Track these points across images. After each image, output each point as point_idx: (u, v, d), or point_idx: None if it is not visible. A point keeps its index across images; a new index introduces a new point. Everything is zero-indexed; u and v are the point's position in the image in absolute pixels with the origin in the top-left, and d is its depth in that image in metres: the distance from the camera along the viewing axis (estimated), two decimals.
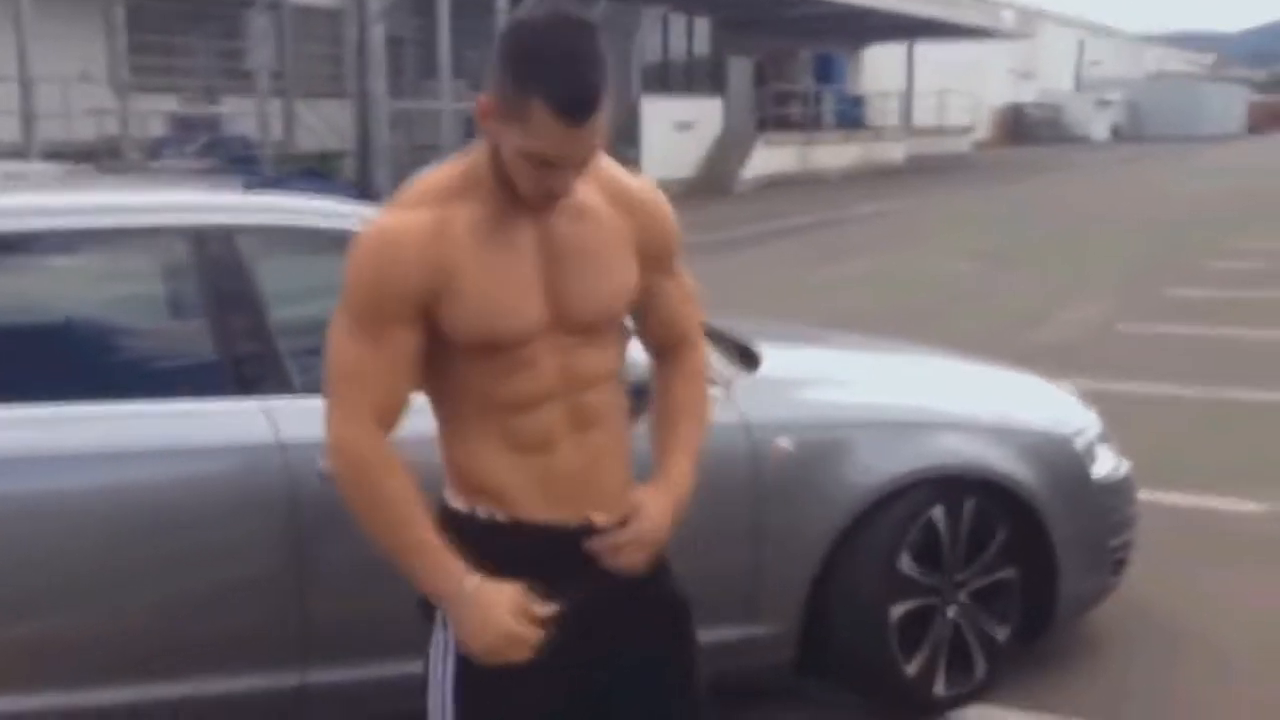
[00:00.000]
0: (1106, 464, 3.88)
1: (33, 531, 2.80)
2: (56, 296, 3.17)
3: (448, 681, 2.06)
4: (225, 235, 3.03)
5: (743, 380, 3.43)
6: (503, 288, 1.96)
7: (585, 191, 2.03)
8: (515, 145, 1.87)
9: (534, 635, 1.97)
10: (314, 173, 4.28)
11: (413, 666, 2.15)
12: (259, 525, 2.92)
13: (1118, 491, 3.91)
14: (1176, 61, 71.34)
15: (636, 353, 3.06)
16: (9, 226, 3.02)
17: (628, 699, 2.16)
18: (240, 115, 18.41)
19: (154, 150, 16.73)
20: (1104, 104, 56.26)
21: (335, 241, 2.93)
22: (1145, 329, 9.94)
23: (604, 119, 1.88)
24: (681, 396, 2.21)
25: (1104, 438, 3.95)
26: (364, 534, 1.99)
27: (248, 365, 2.98)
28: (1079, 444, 3.81)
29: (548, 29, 1.86)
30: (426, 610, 2.07)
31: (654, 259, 2.11)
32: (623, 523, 2.06)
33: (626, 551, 2.07)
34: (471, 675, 2.03)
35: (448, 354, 1.99)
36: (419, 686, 2.12)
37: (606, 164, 2.07)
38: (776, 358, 3.71)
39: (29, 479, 2.81)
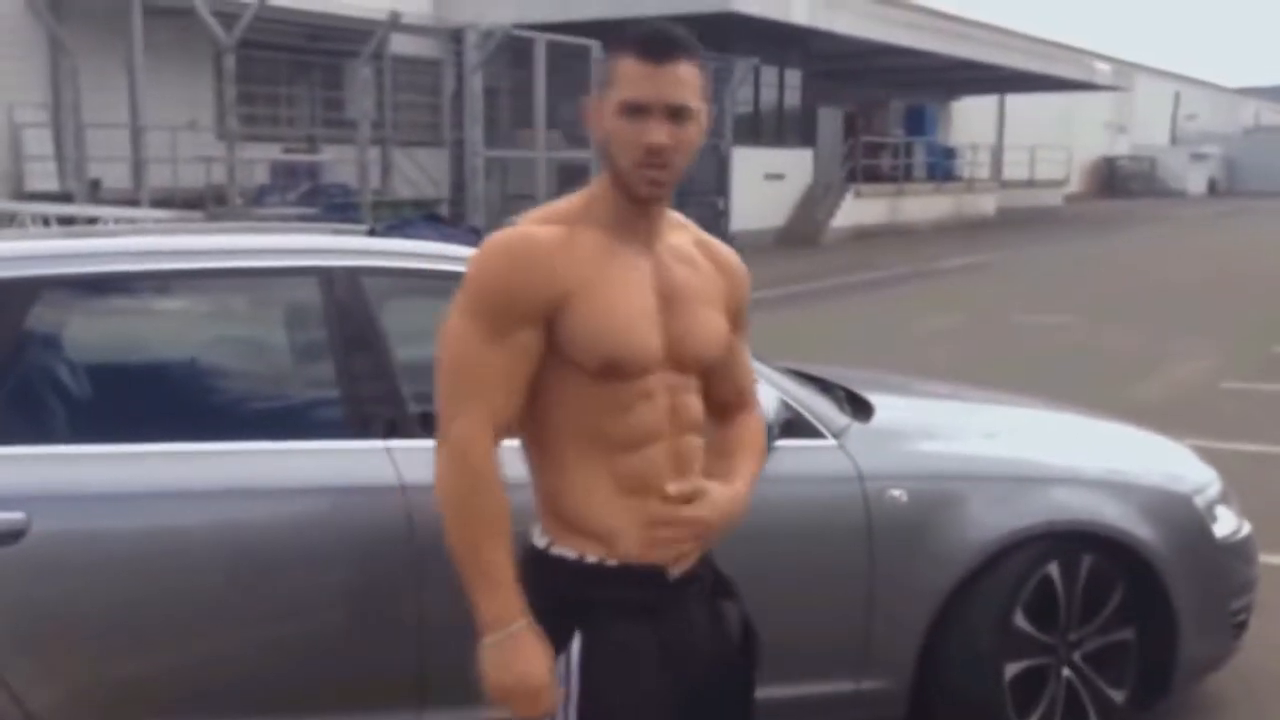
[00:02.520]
0: (1228, 524, 3.78)
1: (157, 566, 2.85)
2: (186, 336, 3.27)
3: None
4: (351, 277, 3.09)
5: (856, 430, 3.41)
6: (627, 312, 2.03)
7: (686, 242, 2.15)
8: (611, 104, 1.99)
9: (551, 700, 1.98)
10: (435, 217, 4.35)
11: None
12: (379, 565, 2.95)
13: (1239, 552, 3.81)
14: (1275, 114, 69.95)
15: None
16: (142, 267, 3.11)
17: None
18: (340, 163, 18.81)
19: (257, 197, 17.13)
20: (1200, 157, 55.27)
21: (458, 284, 3.00)
22: (1251, 387, 9.70)
23: (692, 77, 1.99)
24: (744, 437, 2.26)
25: (1225, 497, 3.86)
26: (447, 538, 1.99)
27: (371, 406, 3.03)
28: (1199, 502, 3.72)
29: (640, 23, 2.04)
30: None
31: (735, 319, 2.22)
32: (688, 500, 2.07)
33: (687, 529, 2.07)
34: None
35: (564, 386, 2.02)
36: None
37: (695, 228, 2.21)
38: (888, 407, 3.68)
39: (155, 515, 2.88)
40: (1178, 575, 3.55)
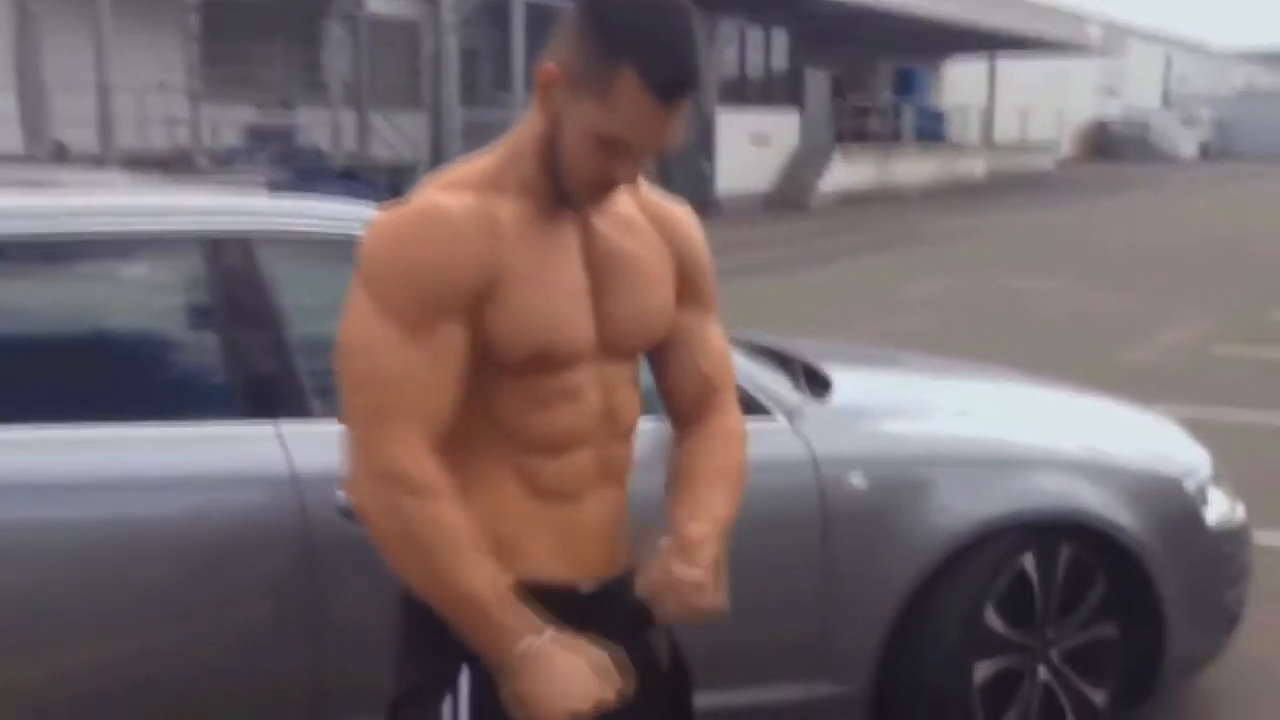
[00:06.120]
0: (1220, 508, 3.48)
1: (20, 568, 2.53)
2: (53, 309, 2.89)
3: None
4: (242, 243, 2.75)
5: (810, 409, 3.09)
6: (555, 295, 1.70)
7: (628, 205, 1.82)
8: (588, 123, 1.63)
9: (613, 679, 1.64)
10: (350, 176, 4.06)
11: None
12: (270, 562, 2.65)
13: (1232, 539, 3.52)
14: (1266, 77, 69.56)
15: None
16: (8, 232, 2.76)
17: None
18: (315, 126, 18.43)
19: (226, 160, 16.74)
20: (1192, 121, 54.96)
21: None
22: (1244, 352, 9.46)
23: (688, 110, 1.65)
24: (716, 462, 1.86)
25: (1217, 478, 3.55)
26: (408, 582, 1.68)
27: (261, 385, 2.70)
28: (1190, 486, 3.42)
29: None
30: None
31: (689, 289, 1.86)
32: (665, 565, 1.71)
33: (687, 595, 1.71)
34: None
35: (477, 377, 1.68)
36: None
37: (644, 185, 1.85)
38: (849, 384, 3.38)
39: (19, 507, 2.55)
40: (1165, 566, 3.25)
